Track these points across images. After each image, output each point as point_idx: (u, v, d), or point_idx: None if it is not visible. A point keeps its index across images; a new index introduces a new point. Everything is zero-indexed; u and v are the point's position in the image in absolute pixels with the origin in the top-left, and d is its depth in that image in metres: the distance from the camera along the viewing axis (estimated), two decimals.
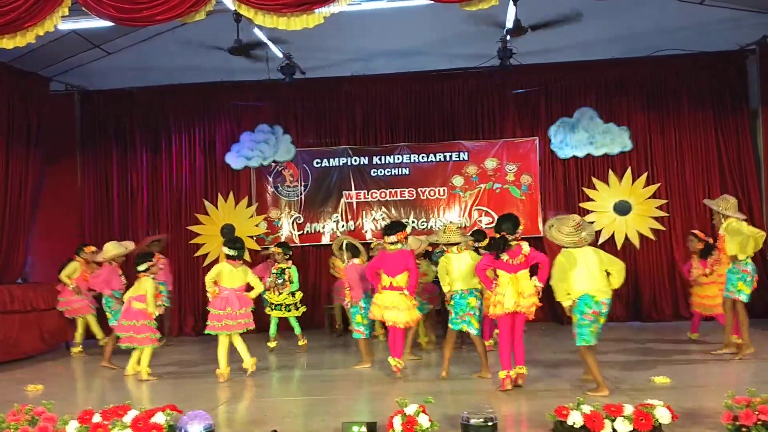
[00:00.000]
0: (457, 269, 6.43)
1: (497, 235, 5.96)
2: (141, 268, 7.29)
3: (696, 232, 8.40)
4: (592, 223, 10.07)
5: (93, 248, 9.33)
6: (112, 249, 8.10)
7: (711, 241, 7.97)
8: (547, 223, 6.15)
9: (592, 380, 5.70)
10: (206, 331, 7.09)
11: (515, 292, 5.79)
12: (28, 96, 9.97)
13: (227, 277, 6.99)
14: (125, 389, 6.91)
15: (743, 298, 6.84)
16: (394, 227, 6.70)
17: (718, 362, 6.87)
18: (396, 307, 6.51)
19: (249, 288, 7.19)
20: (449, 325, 6.50)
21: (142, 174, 11.33)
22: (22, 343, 8.86)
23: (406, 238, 6.75)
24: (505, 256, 5.86)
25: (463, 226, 10.67)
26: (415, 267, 6.66)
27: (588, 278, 5.61)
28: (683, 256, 9.60)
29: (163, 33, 9.33)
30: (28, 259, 10.32)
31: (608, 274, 5.67)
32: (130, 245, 8.40)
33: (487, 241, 7.85)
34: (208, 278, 7.00)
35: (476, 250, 7.99)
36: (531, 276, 5.95)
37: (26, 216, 10.04)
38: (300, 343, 8.88)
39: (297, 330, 8.97)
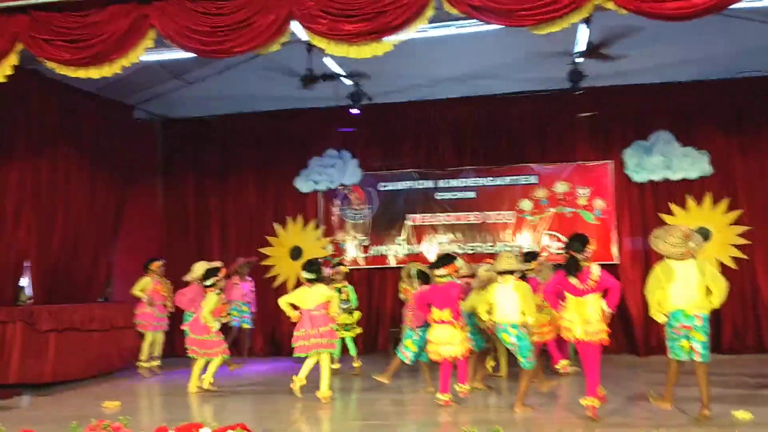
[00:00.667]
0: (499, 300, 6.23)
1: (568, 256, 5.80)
2: (208, 282, 7.61)
3: None
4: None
5: (159, 263, 9.65)
6: (200, 269, 8.34)
7: None
8: (652, 233, 5.93)
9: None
10: (294, 354, 7.16)
11: (581, 319, 5.61)
12: (112, 123, 10.48)
13: (303, 299, 7.11)
14: (199, 407, 7.07)
15: None
16: (444, 260, 6.64)
17: None
18: (449, 342, 6.42)
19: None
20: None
21: (217, 198, 11.71)
22: (100, 361, 9.21)
23: (456, 271, 6.63)
24: (573, 279, 5.67)
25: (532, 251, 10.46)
26: (457, 297, 6.54)
27: (683, 293, 5.49)
28: None
29: (240, 64, 9.66)
30: (111, 279, 10.77)
31: (709, 291, 5.50)
32: (219, 265, 8.63)
33: (533, 264, 7.73)
34: (283, 301, 7.13)
35: (523, 276, 7.83)
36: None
37: (108, 238, 10.50)
38: (355, 364, 8.87)
39: (353, 351, 9.02)
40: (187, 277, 8.68)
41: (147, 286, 9.53)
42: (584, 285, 5.64)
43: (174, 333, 9.78)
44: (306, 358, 7.13)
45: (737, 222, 10.11)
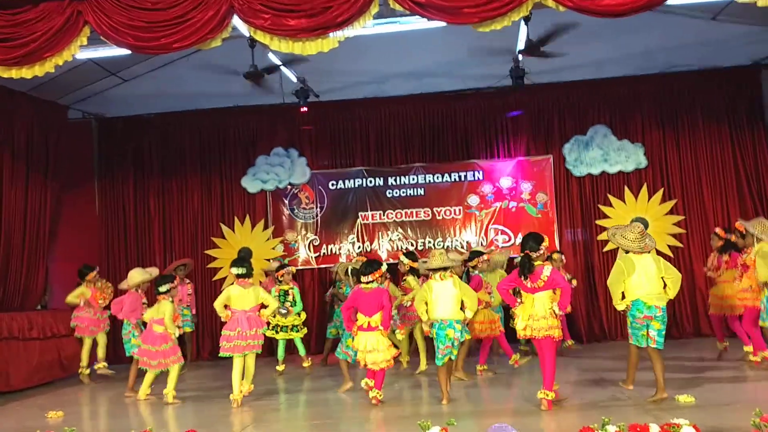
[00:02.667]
0: (437, 297, 6.31)
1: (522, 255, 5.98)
2: (162, 289, 7.34)
3: (717, 230, 8.44)
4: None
5: (94, 273, 9.26)
6: (138, 276, 8.12)
7: (732, 238, 8.03)
8: (609, 231, 6.34)
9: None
10: (220, 354, 7.03)
11: (526, 315, 5.83)
12: (46, 124, 10.10)
13: (237, 299, 6.96)
14: (144, 415, 6.91)
15: None
16: (370, 266, 6.55)
17: (742, 380, 6.76)
18: (375, 349, 6.35)
19: (262, 307, 7.14)
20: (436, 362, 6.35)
21: (159, 199, 11.44)
22: (41, 370, 8.89)
23: (381, 276, 6.57)
24: (525, 281, 5.86)
25: (480, 245, 10.67)
26: (389, 304, 6.52)
27: (644, 284, 5.90)
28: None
29: (179, 60, 9.46)
30: (48, 287, 10.39)
31: (664, 283, 5.91)
32: (154, 271, 8.41)
33: (475, 261, 7.97)
34: (218, 303, 6.97)
35: (467, 272, 8.05)
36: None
37: (45, 243, 10.12)
38: (305, 364, 8.87)
39: (302, 351, 9.04)
40: (123, 285, 8.44)
41: (84, 295, 9.15)
42: (534, 284, 5.84)
43: (116, 340, 9.52)
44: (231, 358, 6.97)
45: (672, 212, 10.51)
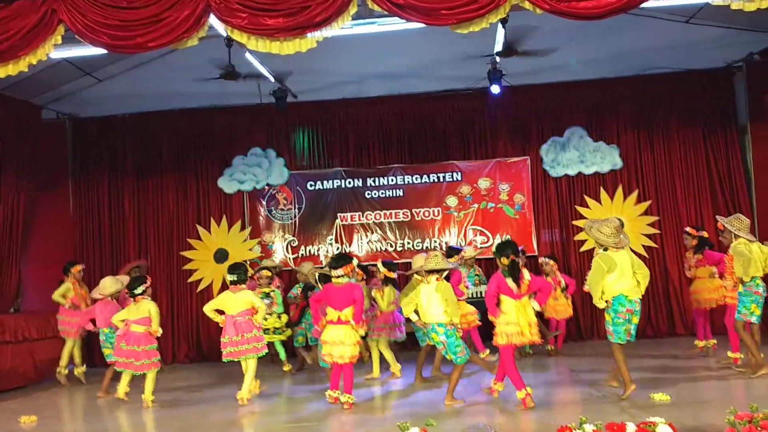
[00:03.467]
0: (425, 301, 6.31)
1: (505, 262, 6.04)
2: (138, 291, 7.27)
3: (688, 229, 8.55)
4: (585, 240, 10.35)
5: (80, 267, 9.30)
6: (111, 286, 8.06)
7: (705, 234, 8.23)
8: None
9: (618, 386, 6.08)
10: (224, 359, 7.01)
11: (526, 322, 5.95)
12: (19, 124, 9.92)
13: (228, 304, 7.01)
14: (119, 418, 6.81)
15: (754, 319, 6.81)
16: (340, 260, 6.51)
17: (717, 378, 6.86)
18: (342, 342, 6.32)
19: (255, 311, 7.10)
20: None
21: (134, 200, 11.30)
22: (14, 374, 8.73)
23: (353, 270, 6.57)
24: (512, 283, 5.96)
25: (459, 245, 10.71)
26: (361, 298, 6.45)
27: (624, 279, 5.94)
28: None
29: (155, 59, 9.36)
30: (21, 289, 10.21)
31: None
32: (126, 280, 8.31)
33: (454, 258, 7.96)
34: (208, 308, 7.03)
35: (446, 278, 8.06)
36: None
37: (18, 245, 9.95)
38: (285, 368, 8.82)
39: (282, 355, 8.97)
40: (95, 294, 8.32)
41: (68, 292, 9.08)
42: (520, 289, 5.97)
43: (91, 343, 9.40)
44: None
45: (646, 212, 10.64)
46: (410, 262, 8.04)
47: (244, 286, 7.14)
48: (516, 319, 5.94)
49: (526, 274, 6.05)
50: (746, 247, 6.79)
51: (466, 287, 7.98)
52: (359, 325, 6.45)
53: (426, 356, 7.69)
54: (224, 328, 6.96)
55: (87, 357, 9.72)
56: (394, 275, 8.06)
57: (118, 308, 7.96)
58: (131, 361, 7.17)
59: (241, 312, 6.96)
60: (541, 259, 9.55)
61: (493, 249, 6.65)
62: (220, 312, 7.06)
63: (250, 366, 6.97)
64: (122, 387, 7.38)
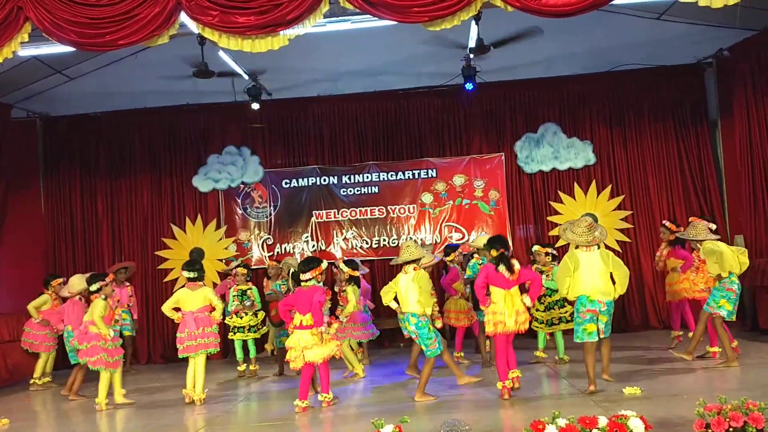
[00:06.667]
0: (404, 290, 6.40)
1: (494, 254, 6.19)
2: (93, 288, 7.21)
3: (667, 223, 8.64)
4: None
5: (60, 280, 9.03)
6: (79, 284, 7.93)
7: (683, 229, 8.24)
8: (560, 227, 6.43)
9: (612, 380, 6.21)
10: (180, 355, 7.09)
11: (513, 311, 6.07)
12: None
13: (185, 301, 7.06)
14: (92, 421, 6.74)
15: (723, 314, 6.91)
16: (309, 264, 6.43)
17: (687, 371, 6.96)
18: (314, 345, 6.24)
19: (213, 309, 7.15)
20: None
21: (107, 199, 11.18)
22: None
23: (321, 274, 6.47)
24: (506, 273, 6.08)
25: (435, 242, 10.78)
26: (318, 303, 6.31)
27: (588, 280, 6.02)
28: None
29: (127, 57, 9.25)
30: None
31: (613, 279, 6.07)
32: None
33: (452, 255, 8.27)
34: (165, 306, 7.10)
35: (446, 265, 8.26)
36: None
37: None
38: (252, 367, 8.75)
39: (253, 353, 8.86)
40: (64, 293, 8.20)
41: (45, 304, 8.88)
42: (512, 276, 6.11)
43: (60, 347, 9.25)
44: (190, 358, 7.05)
45: (620, 207, 10.76)
46: (387, 259, 8.06)
47: (201, 282, 7.19)
48: (502, 309, 6.07)
49: (516, 264, 6.17)
50: (714, 245, 6.89)
51: (464, 285, 8.14)
52: (320, 327, 6.28)
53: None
54: (181, 324, 6.99)
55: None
56: (357, 274, 8.00)
57: (85, 307, 7.84)
58: (95, 358, 7.08)
59: (200, 308, 7.03)
60: (536, 247, 9.19)
61: (483, 243, 6.90)
62: (177, 309, 7.08)
63: (199, 363, 6.97)
64: (102, 395, 7.19)
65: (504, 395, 6.04)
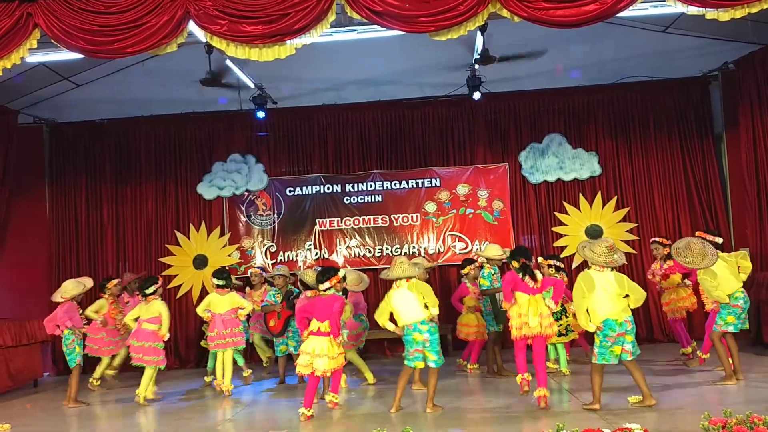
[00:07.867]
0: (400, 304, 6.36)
1: (516, 265, 6.51)
2: (149, 291, 7.81)
3: (658, 239, 8.61)
4: (566, 247, 10.44)
5: (116, 281, 9.03)
6: (73, 288, 7.99)
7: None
8: (579, 244, 6.35)
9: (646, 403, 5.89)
10: (211, 350, 8.35)
11: (537, 314, 6.25)
12: None
13: (215, 304, 8.09)
14: (93, 426, 6.73)
15: (731, 329, 6.86)
16: (327, 273, 6.53)
17: (693, 384, 6.92)
18: (326, 354, 6.25)
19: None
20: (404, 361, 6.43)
21: (112, 206, 11.19)
22: None
23: (339, 282, 6.55)
24: (530, 282, 6.38)
25: (437, 252, 10.78)
26: (337, 312, 6.36)
27: (607, 302, 5.90)
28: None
29: (134, 65, 9.31)
30: None
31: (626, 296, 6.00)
32: (88, 282, 8.26)
33: (467, 269, 8.48)
34: (200, 309, 8.17)
35: (459, 279, 8.33)
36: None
37: None
38: (245, 374, 8.71)
39: (241, 361, 8.80)
40: (56, 298, 8.20)
41: (102, 308, 8.79)
42: (536, 284, 6.39)
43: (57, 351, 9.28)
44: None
45: (625, 219, 10.74)
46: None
47: (228, 289, 8.18)
48: (527, 311, 6.28)
49: (538, 274, 6.50)
50: (709, 275, 6.73)
51: (478, 299, 8.23)
52: (337, 338, 6.34)
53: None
54: (211, 324, 8.06)
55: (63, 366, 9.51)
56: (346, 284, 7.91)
57: (78, 311, 7.96)
58: (140, 356, 7.68)
59: (228, 311, 8.05)
60: (540, 259, 9.05)
61: (493, 253, 7.95)
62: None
63: (227, 358, 7.97)
64: (144, 386, 7.64)
65: (523, 387, 6.39)
